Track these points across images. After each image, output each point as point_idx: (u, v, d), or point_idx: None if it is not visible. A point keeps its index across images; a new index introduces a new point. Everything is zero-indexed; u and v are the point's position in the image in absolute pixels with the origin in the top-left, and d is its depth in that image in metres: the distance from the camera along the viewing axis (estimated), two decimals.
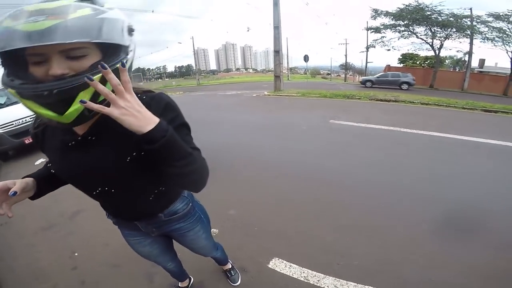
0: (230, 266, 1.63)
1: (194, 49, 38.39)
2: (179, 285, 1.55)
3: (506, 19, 17.94)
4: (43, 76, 0.52)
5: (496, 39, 18.87)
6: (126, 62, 0.55)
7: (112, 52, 0.56)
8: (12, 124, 4.99)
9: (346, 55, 37.32)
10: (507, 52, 19.11)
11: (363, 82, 19.05)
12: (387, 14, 21.16)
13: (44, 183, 0.76)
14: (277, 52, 12.75)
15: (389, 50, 23.62)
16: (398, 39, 22.40)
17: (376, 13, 21.53)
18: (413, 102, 8.31)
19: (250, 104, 9.97)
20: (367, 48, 25.56)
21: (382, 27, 22.06)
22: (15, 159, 5.37)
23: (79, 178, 0.71)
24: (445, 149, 3.96)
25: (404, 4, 20.31)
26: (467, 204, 2.40)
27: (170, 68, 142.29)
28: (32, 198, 0.74)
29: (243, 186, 2.91)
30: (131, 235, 0.97)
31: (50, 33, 0.46)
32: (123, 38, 0.56)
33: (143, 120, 0.53)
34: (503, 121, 6.69)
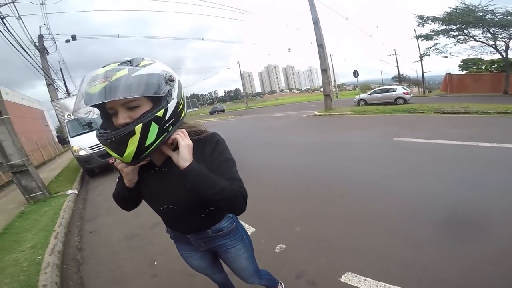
0: None
1: (241, 73, 40.71)
2: None
3: None
4: (116, 125, 0.70)
5: None
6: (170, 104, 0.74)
7: (157, 99, 0.71)
8: (99, 146, 5.86)
9: (398, 66, 34.80)
10: None
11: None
12: (434, 19, 19.08)
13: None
14: (324, 71, 12.62)
15: (446, 57, 20.89)
16: (455, 44, 19.77)
17: (423, 20, 19.58)
18: (487, 112, 7.15)
19: (302, 125, 9.91)
20: (421, 57, 23.19)
21: (433, 33, 19.85)
22: (99, 176, 6.38)
23: (152, 197, 0.93)
24: None
25: (450, 7, 18.14)
26: None
27: (220, 93, 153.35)
28: (130, 189, 0.89)
29: (308, 205, 2.83)
30: (184, 249, 1.14)
31: (100, 94, 0.63)
32: (159, 88, 0.69)
33: (188, 156, 0.75)
34: None
